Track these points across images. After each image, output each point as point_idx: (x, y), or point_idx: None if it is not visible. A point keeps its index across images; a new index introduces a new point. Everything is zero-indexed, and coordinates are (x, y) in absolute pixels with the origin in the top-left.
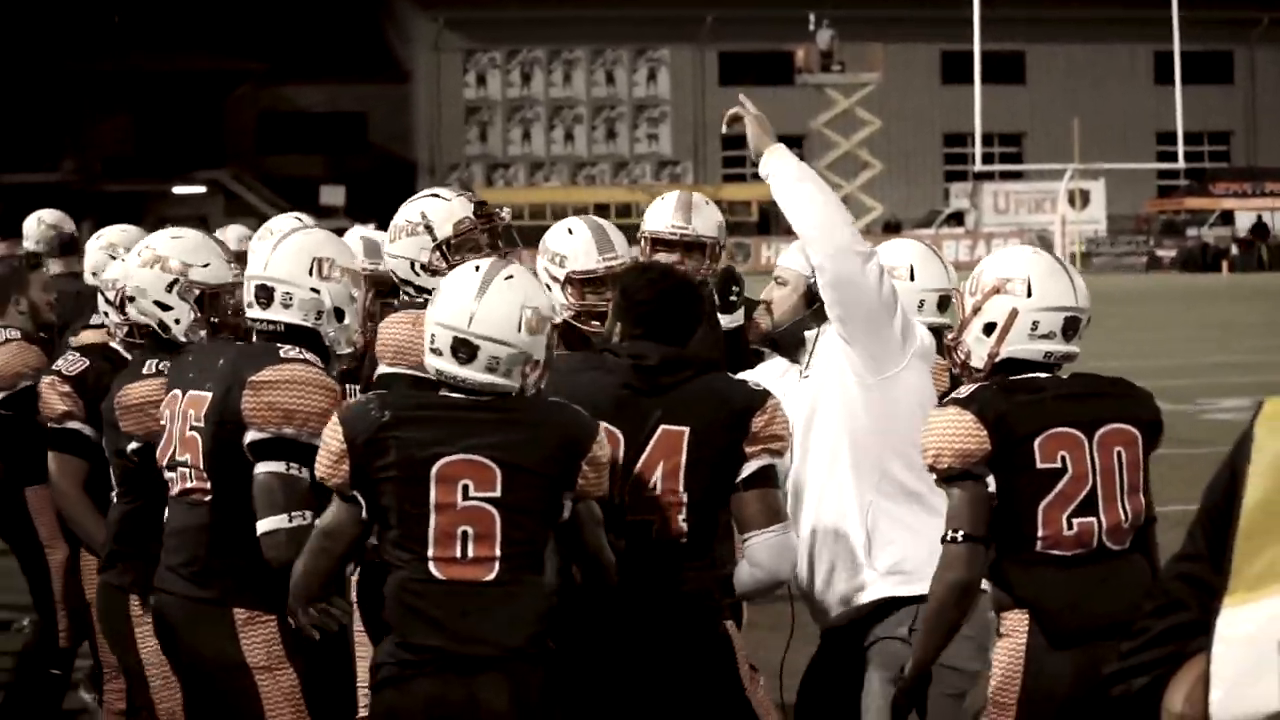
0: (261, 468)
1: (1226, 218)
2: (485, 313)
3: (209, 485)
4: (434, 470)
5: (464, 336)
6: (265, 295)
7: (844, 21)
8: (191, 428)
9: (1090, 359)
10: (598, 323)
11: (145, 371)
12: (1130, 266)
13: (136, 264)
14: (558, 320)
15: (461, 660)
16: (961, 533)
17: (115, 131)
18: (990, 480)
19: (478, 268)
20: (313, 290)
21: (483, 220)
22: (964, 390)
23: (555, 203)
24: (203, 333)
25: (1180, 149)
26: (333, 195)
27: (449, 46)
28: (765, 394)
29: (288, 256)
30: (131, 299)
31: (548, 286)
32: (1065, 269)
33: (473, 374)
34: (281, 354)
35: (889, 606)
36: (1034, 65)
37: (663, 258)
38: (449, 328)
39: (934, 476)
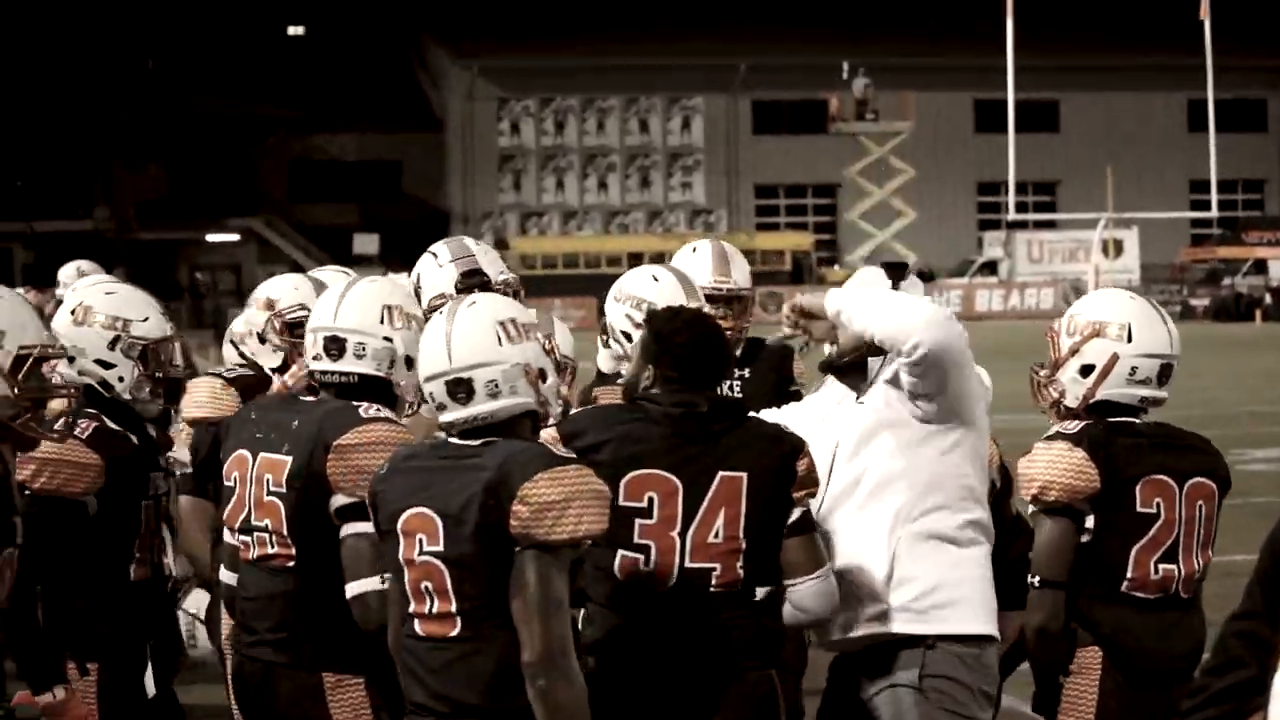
0: (349, 529)
1: (1260, 267)
2: (460, 343)
3: (293, 550)
4: (399, 525)
5: (455, 376)
6: (337, 346)
7: (877, 70)
8: (270, 492)
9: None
10: None
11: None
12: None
13: (68, 321)
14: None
15: (436, 716)
16: (1040, 578)
17: (148, 179)
18: (1089, 519)
19: (441, 312)
20: (385, 339)
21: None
22: (1069, 426)
23: (589, 251)
24: (146, 389)
25: (1214, 197)
26: (366, 244)
27: (483, 95)
28: (802, 439)
29: (358, 306)
30: (71, 359)
31: (626, 335)
32: (1162, 316)
33: (484, 407)
34: (362, 413)
35: (900, 645)
36: (1068, 114)
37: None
38: (438, 376)
39: (1031, 507)
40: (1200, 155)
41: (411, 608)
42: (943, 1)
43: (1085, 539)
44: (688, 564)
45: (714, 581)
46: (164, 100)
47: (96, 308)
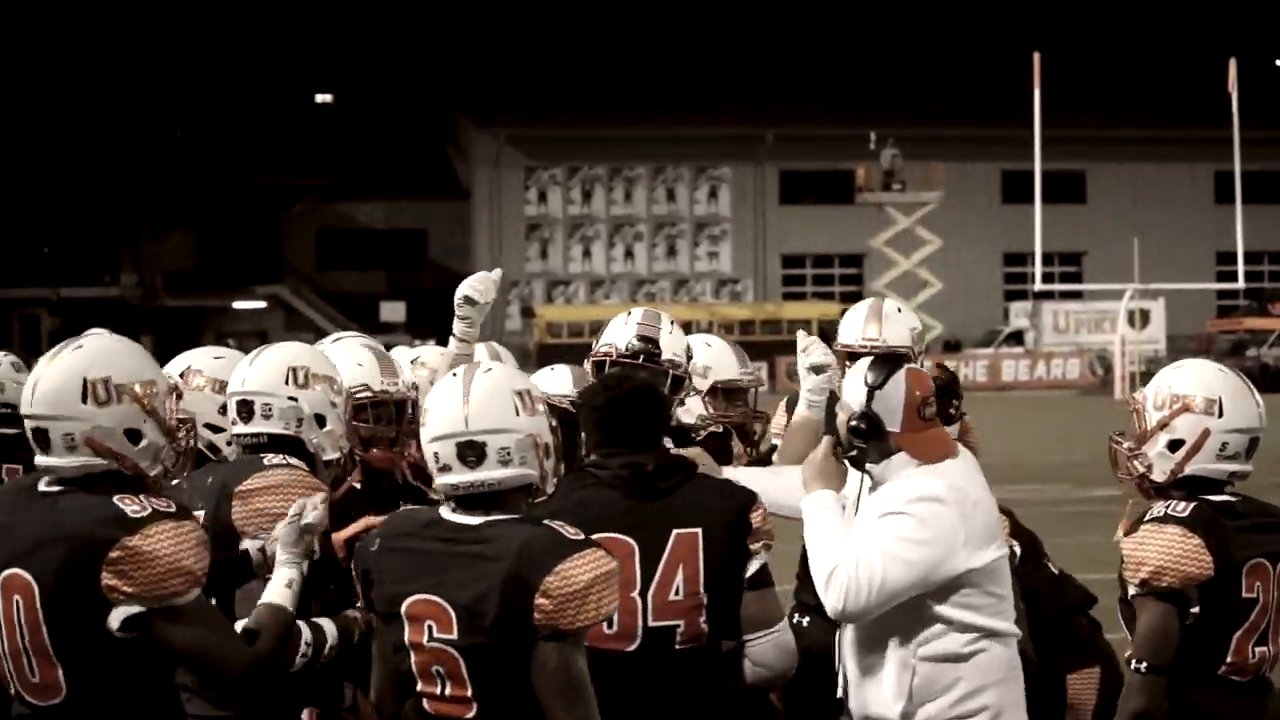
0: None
1: None
2: (479, 407)
3: (213, 600)
4: (403, 609)
5: (469, 439)
6: (246, 409)
7: (904, 141)
8: None
9: None
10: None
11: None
12: None
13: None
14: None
15: None
16: (1145, 664)
17: (176, 246)
18: (1194, 605)
19: (455, 374)
20: (290, 399)
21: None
22: (1179, 509)
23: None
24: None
25: (1240, 269)
26: (393, 312)
27: (509, 163)
28: (754, 492)
29: (265, 369)
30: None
31: (680, 401)
32: (1250, 389)
33: (492, 474)
34: (265, 461)
35: None
36: (1094, 185)
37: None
38: (449, 437)
39: (1136, 590)
40: (1227, 227)
41: (420, 686)
42: (970, 73)
43: (1189, 622)
44: (651, 623)
45: (679, 639)
46: (192, 168)
47: (206, 372)
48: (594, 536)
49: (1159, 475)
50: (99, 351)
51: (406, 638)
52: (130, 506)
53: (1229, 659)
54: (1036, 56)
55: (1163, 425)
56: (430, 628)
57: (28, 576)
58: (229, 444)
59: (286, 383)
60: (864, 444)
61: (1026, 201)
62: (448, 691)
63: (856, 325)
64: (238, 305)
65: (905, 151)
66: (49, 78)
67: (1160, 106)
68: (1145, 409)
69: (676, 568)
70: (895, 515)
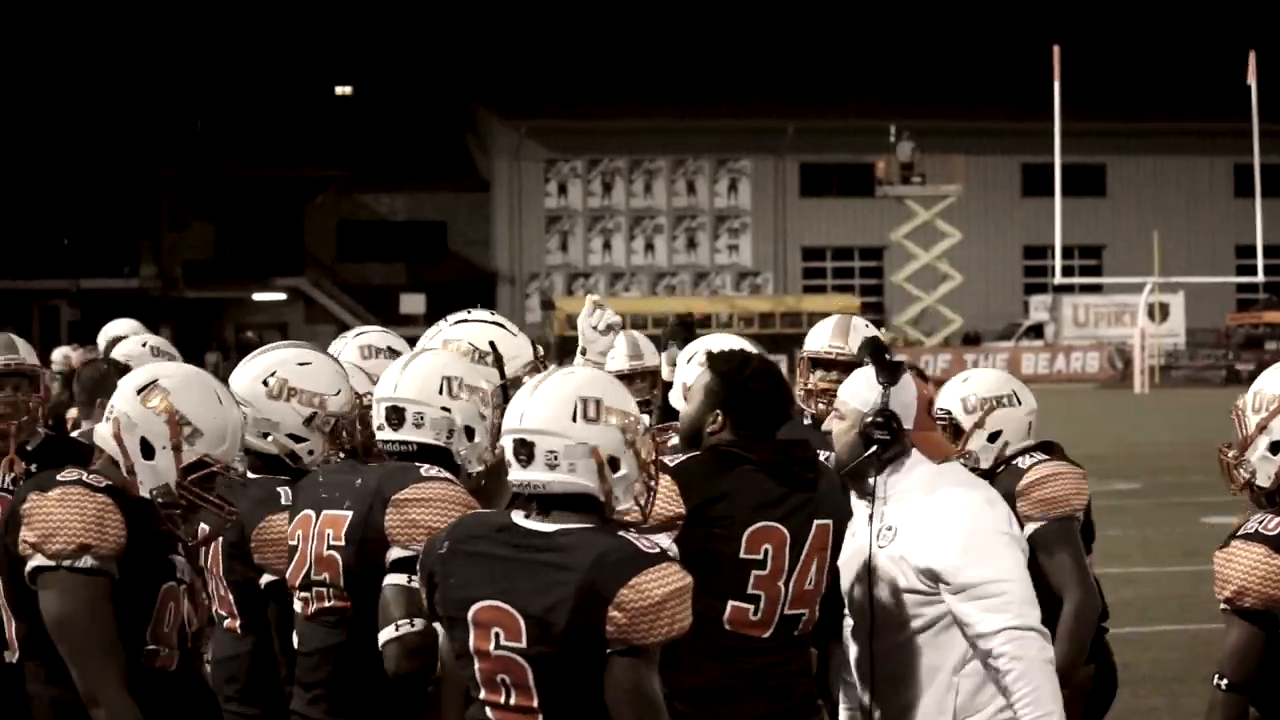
0: (386, 581)
1: None
2: (535, 407)
3: (349, 604)
4: (469, 614)
5: (520, 437)
6: (397, 416)
7: (924, 134)
8: (330, 547)
9: (1171, 473)
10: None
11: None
12: (1209, 380)
13: (261, 393)
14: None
15: None
16: (1226, 681)
17: (196, 238)
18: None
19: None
20: (443, 409)
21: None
22: (1271, 526)
23: (636, 312)
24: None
25: (1260, 262)
26: (413, 304)
27: (530, 156)
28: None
29: (418, 377)
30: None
31: None
32: None
33: (538, 476)
34: (423, 472)
35: None
36: (1114, 178)
37: (820, 376)
38: (508, 432)
39: (1222, 606)
40: (1246, 220)
41: (483, 695)
42: (991, 66)
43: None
44: (786, 611)
45: (800, 626)
46: (212, 160)
47: (292, 381)
48: (759, 525)
49: (1264, 480)
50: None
51: (471, 644)
52: (65, 474)
53: None
54: (1056, 50)
55: (1262, 428)
56: (498, 635)
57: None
58: (310, 454)
59: (441, 392)
60: (884, 442)
61: (1046, 195)
62: (513, 701)
63: (824, 336)
64: (257, 297)
65: (925, 145)
66: (69, 69)
67: (1180, 99)
68: (1245, 414)
69: (813, 558)
70: (984, 519)
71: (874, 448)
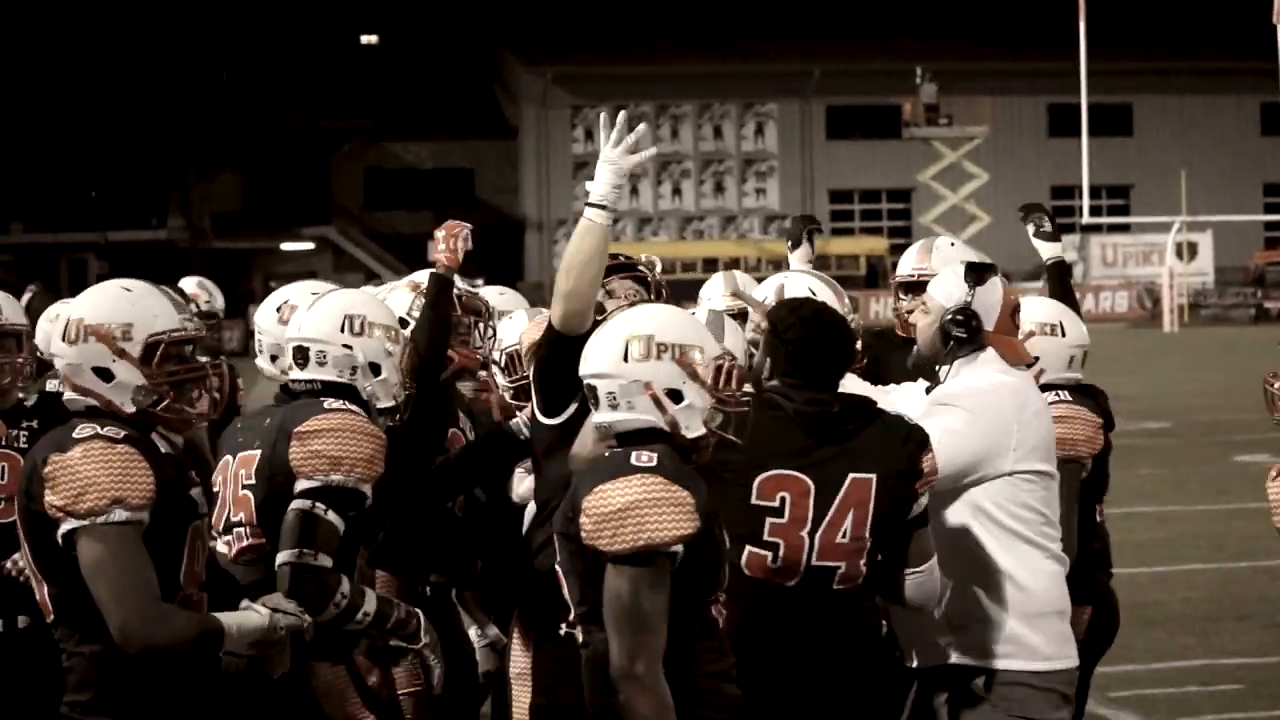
0: (291, 505)
1: None
2: (593, 350)
3: (264, 540)
4: None
5: (587, 381)
6: (302, 355)
7: (951, 75)
8: (244, 487)
9: (1201, 411)
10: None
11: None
12: (1237, 319)
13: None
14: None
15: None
16: None
17: (223, 188)
18: None
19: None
20: (344, 347)
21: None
22: None
23: (664, 257)
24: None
25: None
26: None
27: (556, 102)
28: (926, 433)
29: (321, 317)
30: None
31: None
32: None
33: (605, 416)
34: (325, 405)
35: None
36: (1141, 117)
37: (910, 301)
38: (582, 377)
39: None
40: (1274, 158)
41: None
42: (1016, 7)
43: None
44: (814, 562)
45: (836, 579)
46: (238, 110)
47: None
48: (773, 472)
49: None
50: (85, 298)
51: None
52: (80, 430)
53: None
54: None
55: None
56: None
57: (23, 502)
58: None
59: (343, 330)
60: (960, 339)
61: (1073, 135)
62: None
63: (909, 259)
64: (285, 247)
65: (952, 86)
66: (94, 22)
67: (1206, 38)
68: None
69: (847, 511)
70: (950, 406)
71: (951, 343)
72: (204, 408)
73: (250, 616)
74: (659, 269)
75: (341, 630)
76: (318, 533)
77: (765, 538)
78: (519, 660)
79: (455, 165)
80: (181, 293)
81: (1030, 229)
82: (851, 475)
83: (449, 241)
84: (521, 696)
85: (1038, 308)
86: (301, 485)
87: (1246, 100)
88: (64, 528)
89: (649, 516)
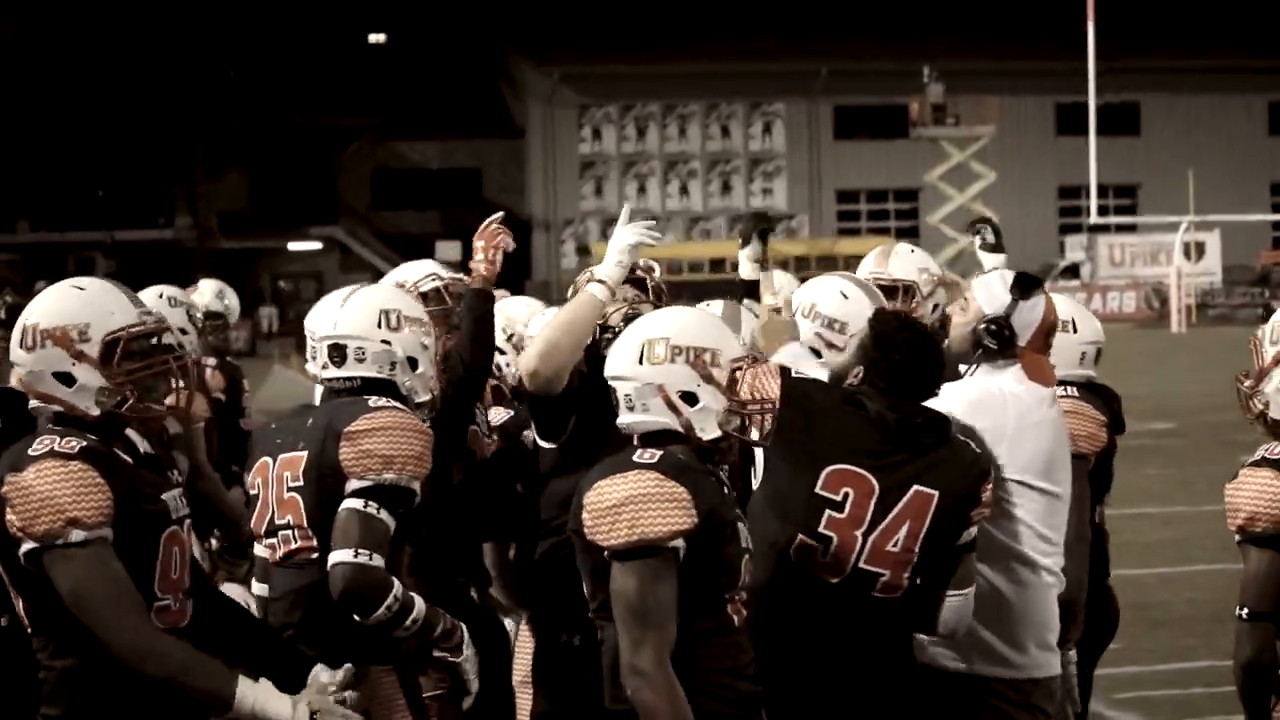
0: (342, 506)
1: None
2: (614, 354)
3: (315, 542)
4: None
5: (611, 383)
6: (338, 353)
7: (958, 74)
8: (290, 489)
9: (1208, 412)
10: None
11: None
12: (1245, 319)
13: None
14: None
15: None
16: (1247, 610)
17: (230, 188)
18: None
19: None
20: (384, 343)
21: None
22: (1276, 450)
23: (671, 257)
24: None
25: None
26: (448, 251)
27: (564, 102)
28: (989, 464)
29: (357, 313)
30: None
31: (815, 351)
32: None
33: (624, 419)
34: (370, 403)
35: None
36: (1149, 117)
37: None
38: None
39: (1237, 537)
40: None
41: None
42: (1023, 6)
43: None
44: (861, 564)
45: (878, 586)
46: (245, 109)
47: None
48: (843, 466)
49: (1277, 411)
50: (38, 302)
51: None
52: (36, 447)
53: None
54: None
55: (1278, 360)
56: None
57: None
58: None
59: (380, 326)
60: (990, 349)
61: (1081, 134)
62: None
63: (866, 264)
64: (292, 246)
65: (960, 85)
66: (101, 19)
67: (1214, 37)
68: (1263, 345)
69: (904, 521)
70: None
71: (979, 351)
72: (175, 403)
73: (275, 703)
74: (658, 273)
75: (388, 634)
76: (372, 532)
77: (820, 529)
78: (523, 665)
79: (462, 165)
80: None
81: (976, 241)
82: (916, 487)
83: (488, 252)
84: (525, 703)
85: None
86: (353, 485)
87: (1254, 100)
88: (24, 548)
89: (643, 511)
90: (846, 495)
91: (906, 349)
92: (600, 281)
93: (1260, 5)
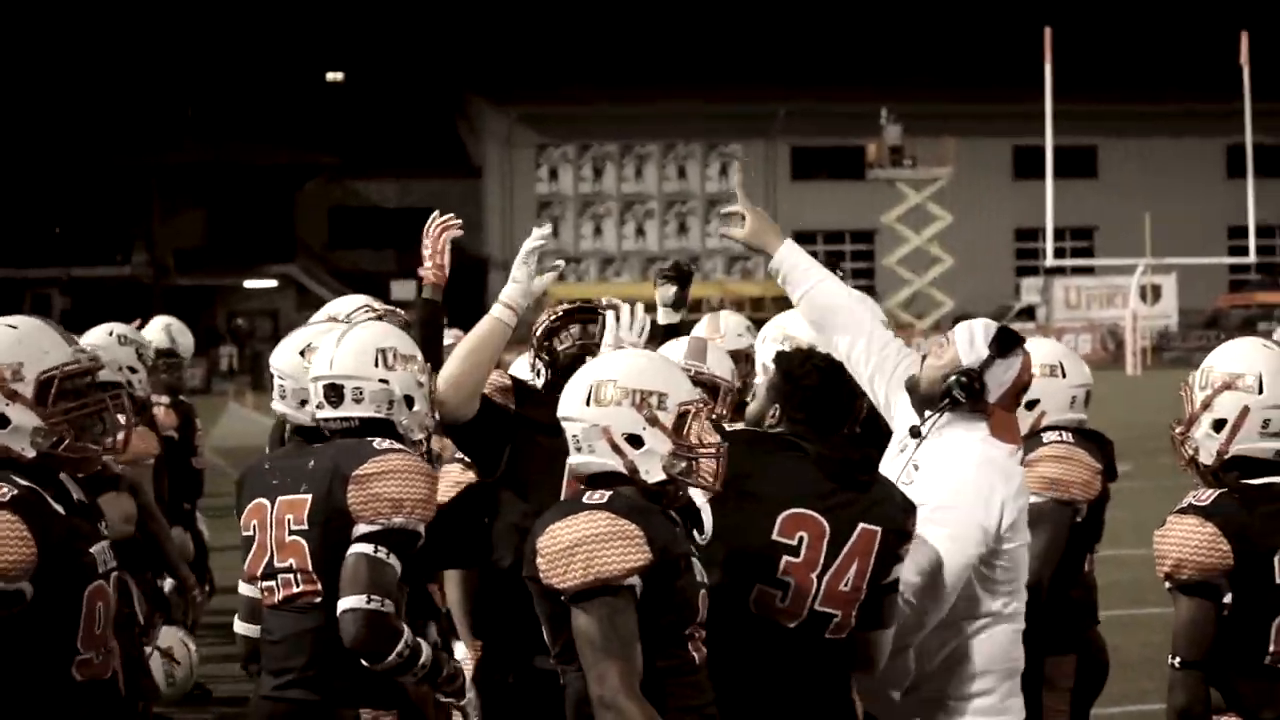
0: (351, 550)
1: None
2: (565, 394)
3: (320, 586)
4: None
5: (561, 422)
6: (335, 393)
7: (915, 117)
8: (293, 532)
9: (1163, 454)
10: None
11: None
12: (1200, 362)
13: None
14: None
15: None
16: (1179, 658)
17: (187, 225)
18: (1226, 595)
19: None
20: (381, 382)
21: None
22: (1203, 497)
23: (627, 297)
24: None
25: (1252, 243)
26: (404, 290)
27: (521, 141)
28: (913, 502)
29: (353, 352)
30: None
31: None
32: None
33: (574, 459)
34: (376, 445)
35: None
36: (1105, 160)
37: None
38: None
39: (1167, 585)
40: (1238, 201)
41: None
42: (981, 48)
43: (1225, 613)
44: (816, 607)
45: (830, 628)
46: (203, 146)
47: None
48: (797, 510)
49: (1206, 457)
50: None
51: None
52: None
53: (1272, 648)
54: (1048, 31)
55: (1206, 405)
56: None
57: None
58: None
59: (377, 365)
60: (958, 402)
61: (1038, 177)
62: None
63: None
64: (249, 284)
65: (916, 127)
66: (59, 56)
67: (1172, 80)
68: (1193, 391)
69: (853, 560)
70: (948, 509)
71: (945, 401)
72: (112, 443)
73: None
74: (625, 310)
75: (393, 679)
76: (382, 578)
77: (779, 575)
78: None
79: (419, 204)
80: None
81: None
82: (862, 525)
83: (435, 257)
84: None
85: (1038, 348)
86: (362, 529)
87: (1211, 143)
88: None
89: (597, 551)
90: (801, 539)
91: (815, 376)
92: (503, 304)
93: (1217, 49)
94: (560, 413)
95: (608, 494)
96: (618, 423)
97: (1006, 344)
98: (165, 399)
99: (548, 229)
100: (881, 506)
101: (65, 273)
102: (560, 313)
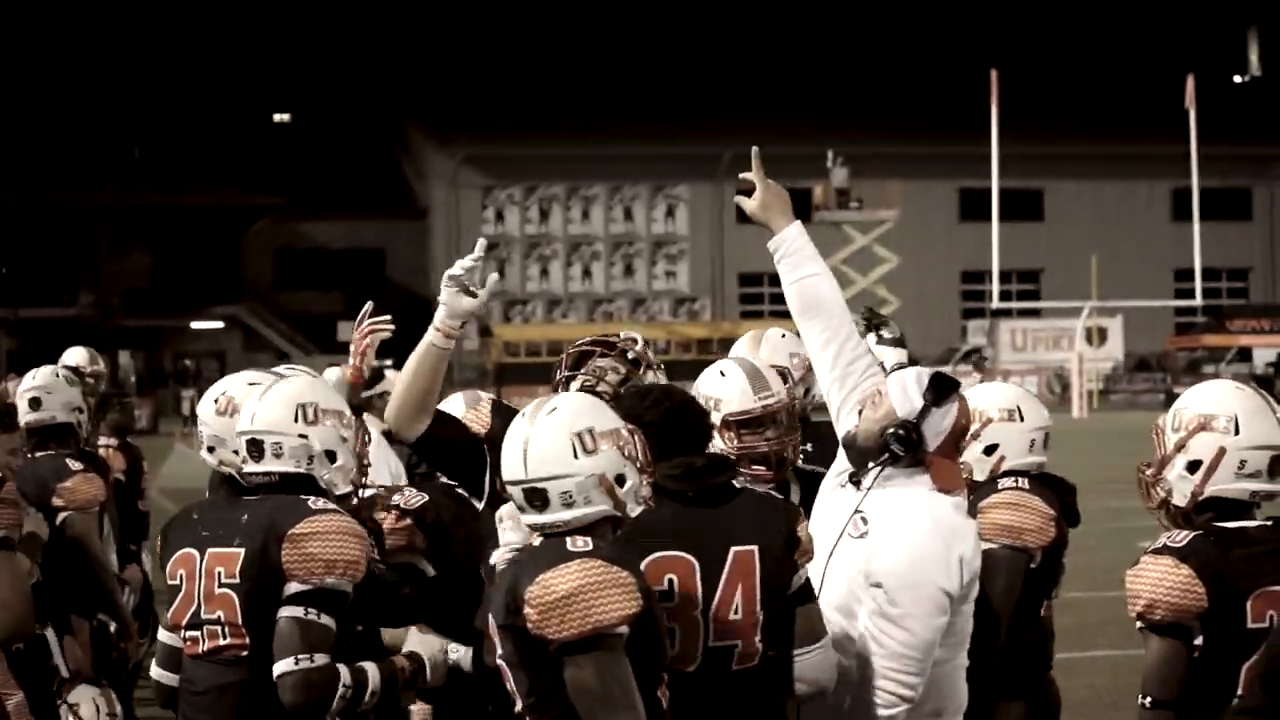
0: (281, 613)
1: (1244, 354)
2: (536, 454)
3: (247, 640)
4: None
5: (530, 486)
6: (256, 449)
7: (862, 159)
8: (222, 584)
9: (1108, 497)
10: (759, 466)
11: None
12: (1146, 404)
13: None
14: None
15: None
16: (1150, 699)
17: (133, 266)
18: (1198, 637)
19: (523, 415)
20: (300, 436)
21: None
22: (1177, 538)
23: (573, 339)
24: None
25: (1198, 285)
26: (350, 331)
27: (467, 183)
28: (796, 505)
29: (273, 407)
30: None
31: None
32: (1270, 406)
33: (559, 516)
34: (311, 505)
35: None
36: (1052, 202)
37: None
38: (515, 483)
39: (1138, 624)
40: (1184, 244)
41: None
42: (928, 91)
43: (1195, 654)
44: (711, 644)
45: (735, 659)
46: (150, 187)
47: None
48: (657, 556)
49: (1180, 499)
50: None
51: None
52: None
53: (1240, 691)
54: (994, 74)
55: (1180, 447)
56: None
57: None
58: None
59: (296, 420)
60: (897, 455)
61: (984, 219)
62: (516, 708)
63: (738, 347)
64: (195, 325)
65: (863, 170)
66: (4, 98)
67: (1118, 123)
68: (1165, 433)
69: (736, 587)
70: (916, 587)
71: (885, 455)
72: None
73: None
74: (641, 344)
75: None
76: (313, 636)
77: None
78: None
79: (366, 245)
80: (75, 369)
81: (871, 338)
82: (733, 549)
83: (359, 345)
84: None
85: (995, 393)
86: (294, 588)
87: (1157, 186)
88: None
89: (595, 600)
90: (671, 582)
91: (654, 409)
92: (434, 328)
93: (1163, 92)
94: (535, 475)
95: (589, 540)
96: (610, 466)
97: (941, 391)
98: (114, 441)
99: (478, 252)
100: (752, 523)
101: (13, 313)
102: (577, 353)
